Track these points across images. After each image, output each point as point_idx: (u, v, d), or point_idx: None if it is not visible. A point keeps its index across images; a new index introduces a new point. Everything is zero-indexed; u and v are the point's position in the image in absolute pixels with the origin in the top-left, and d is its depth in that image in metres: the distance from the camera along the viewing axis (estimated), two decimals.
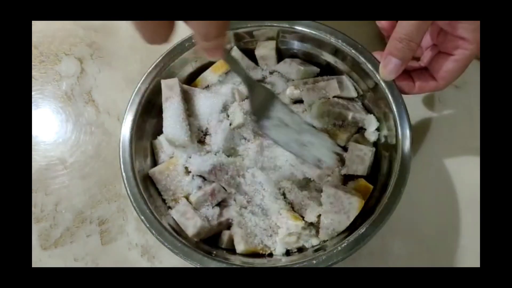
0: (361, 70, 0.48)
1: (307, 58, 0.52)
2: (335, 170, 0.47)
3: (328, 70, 0.52)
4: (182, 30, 0.34)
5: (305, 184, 0.47)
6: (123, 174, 0.44)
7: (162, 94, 0.48)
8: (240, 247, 0.45)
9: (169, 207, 0.46)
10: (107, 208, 0.53)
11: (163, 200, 0.47)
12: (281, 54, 0.52)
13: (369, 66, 0.46)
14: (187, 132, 0.46)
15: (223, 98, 0.49)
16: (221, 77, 0.51)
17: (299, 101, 0.51)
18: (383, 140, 0.48)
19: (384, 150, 0.47)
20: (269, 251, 0.45)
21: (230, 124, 0.48)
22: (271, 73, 0.52)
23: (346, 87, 0.50)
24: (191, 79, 0.52)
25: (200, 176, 0.47)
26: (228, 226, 0.47)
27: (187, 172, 0.47)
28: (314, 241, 0.45)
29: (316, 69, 0.52)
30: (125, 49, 0.60)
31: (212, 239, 0.47)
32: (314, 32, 0.48)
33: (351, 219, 0.43)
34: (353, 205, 0.43)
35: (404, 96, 0.45)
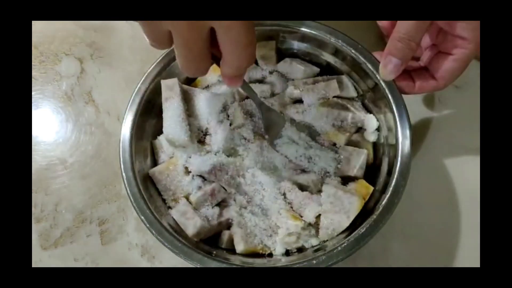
0: (361, 70, 0.48)
1: (307, 58, 0.52)
2: (332, 173, 0.47)
3: (328, 70, 0.52)
4: None
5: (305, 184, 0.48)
6: (123, 174, 0.44)
7: (162, 94, 0.48)
8: (239, 247, 0.45)
9: (169, 207, 0.46)
10: (107, 208, 0.53)
11: (163, 200, 0.47)
12: (281, 54, 0.52)
13: (369, 66, 0.46)
14: (187, 132, 0.46)
15: (223, 98, 0.49)
16: (221, 77, 0.51)
17: (299, 100, 0.51)
18: (383, 140, 0.48)
19: (384, 150, 0.47)
20: (269, 251, 0.45)
21: (230, 124, 0.48)
22: (270, 72, 0.52)
23: (346, 86, 0.50)
24: (191, 79, 0.52)
25: (200, 176, 0.47)
26: (228, 226, 0.47)
27: (187, 172, 0.47)
28: (314, 241, 0.45)
29: (316, 69, 0.52)
30: (125, 49, 0.60)
31: (211, 239, 0.47)
32: (314, 32, 0.48)
33: (351, 218, 0.43)
34: (353, 204, 0.43)
35: (404, 96, 0.45)
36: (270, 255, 0.45)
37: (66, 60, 0.60)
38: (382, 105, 0.47)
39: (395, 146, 0.44)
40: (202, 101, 0.49)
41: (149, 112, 0.48)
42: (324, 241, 0.44)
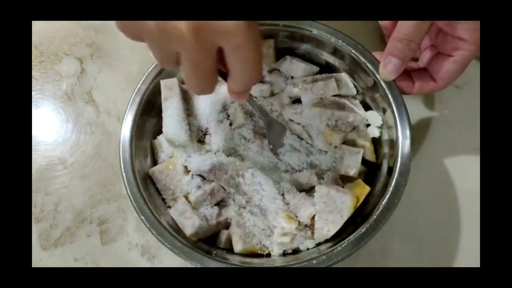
0: (361, 70, 0.48)
1: (307, 58, 0.52)
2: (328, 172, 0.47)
3: (327, 70, 0.52)
4: None
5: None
6: (123, 174, 0.44)
7: (161, 94, 0.48)
8: (238, 247, 0.45)
9: (169, 207, 0.46)
10: (107, 208, 0.53)
11: (163, 200, 0.47)
12: (280, 53, 0.52)
13: (369, 66, 0.46)
14: (187, 132, 0.46)
15: (222, 98, 0.49)
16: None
17: (298, 100, 0.51)
18: (383, 139, 0.48)
19: (384, 150, 0.47)
20: (267, 251, 0.45)
21: (230, 124, 0.48)
22: (269, 71, 0.52)
23: (345, 84, 0.50)
24: None
25: (200, 175, 0.47)
26: (227, 225, 0.47)
27: (187, 171, 0.47)
28: (309, 244, 0.45)
29: (316, 68, 0.52)
30: (125, 49, 0.60)
31: (209, 239, 0.47)
32: (314, 32, 0.48)
33: (345, 218, 0.43)
34: (346, 203, 0.43)
35: (404, 96, 0.45)
36: (269, 255, 0.45)
37: (66, 60, 0.60)
38: (382, 105, 0.47)
39: (395, 146, 0.44)
40: (201, 101, 0.49)
41: (149, 112, 0.48)
42: (318, 244, 0.44)
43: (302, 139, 0.49)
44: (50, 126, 0.57)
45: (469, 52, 0.42)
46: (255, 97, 0.49)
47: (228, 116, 0.49)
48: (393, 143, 0.45)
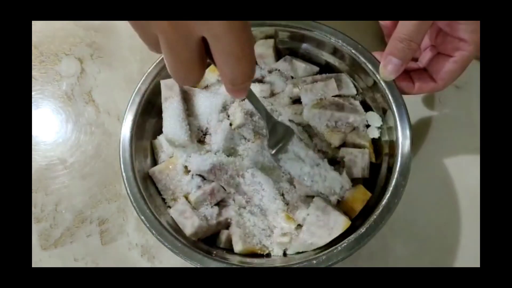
0: (361, 70, 0.48)
1: (307, 58, 0.52)
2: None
3: (327, 70, 0.52)
4: None
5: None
6: (123, 174, 0.44)
7: (161, 94, 0.48)
8: (238, 246, 0.45)
9: (169, 207, 0.46)
10: (107, 208, 0.53)
11: (163, 200, 0.47)
12: (280, 53, 0.52)
13: (369, 66, 0.46)
14: (187, 132, 0.46)
15: (222, 98, 0.49)
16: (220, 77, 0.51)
17: (298, 100, 0.51)
18: (383, 139, 0.48)
19: (384, 150, 0.47)
20: (267, 251, 0.45)
21: (230, 124, 0.48)
22: (270, 71, 0.52)
23: (345, 84, 0.50)
24: None
25: (200, 175, 0.47)
26: (227, 225, 0.47)
27: (187, 171, 0.47)
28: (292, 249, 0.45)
29: (316, 68, 0.52)
30: (125, 49, 0.60)
31: (209, 239, 0.47)
32: (314, 32, 0.48)
33: (332, 237, 0.42)
34: (339, 223, 0.43)
35: (404, 96, 0.45)
36: (269, 255, 0.45)
37: (66, 60, 0.60)
38: (382, 105, 0.47)
39: (395, 146, 0.44)
40: (202, 100, 0.49)
41: (149, 112, 0.48)
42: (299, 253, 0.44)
43: (308, 148, 0.45)
44: (50, 126, 0.57)
45: (469, 53, 0.42)
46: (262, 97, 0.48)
47: (228, 116, 0.49)
48: (393, 143, 0.45)
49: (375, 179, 0.47)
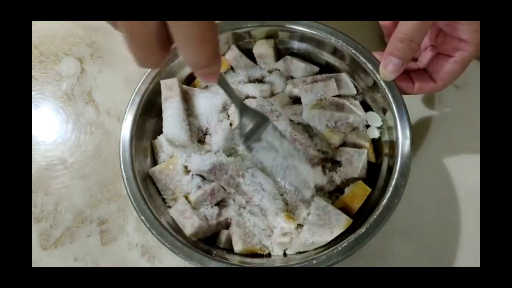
0: (361, 70, 0.48)
1: (307, 58, 0.52)
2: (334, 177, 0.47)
3: (327, 70, 0.52)
4: None
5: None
6: (123, 174, 0.44)
7: (161, 94, 0.48)
8: (238, 246, 0.45)
9: (169, 207, 0.46)
10: (107, 208, 0.53)
11: (163, 200, 0.47)
12: (280, 53, 0.52)
13: (369, 66, 0.46)
14: (187, 132, 0.46)
15: (222, 98, 0.49)
16: None
17: (298, 100, 0.51)
18: (383, 139, 0.48)
19: (384, 150, 0.47)
20: (267, 251, 0.45)
21: (230, 124, 0.48)
22: (270, 71, 0.52)
23: (345, 84, 0.50)
24: (190, 79, 0.52)
25: (200, 175, 0.47)
26: (227, 225, 0.47)
27: (187, 171, 0.47)
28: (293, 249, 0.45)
29: (316, 68, 0.52)
30: (125, 49, 0.60)
31: (209, 239, 0.47)
32: (314, 32, 0.48)
33: (334, 235, 0.42)
34: (340, 222, 0.43)
35: (404, 96, 0.45)
36: (269, 255, 0.45)
37: (66, 60, 0.60)
38: (382, 105, 0.47)
39: (395, 146, 0.44)
40: (201, 101, 0.49)
41: (149, 112, 0.48)
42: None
43: (284, 137, 0.43)
44: (50, 126, 0.57)
45: (469, 53, 0.42)
46: (256, 98, 0.48)
47: (228, 116, 0.49)
48: (393, 143, 0.45)
49: (375, 179, 0.47)
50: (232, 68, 0.52)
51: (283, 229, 0.44)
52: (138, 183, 0.44)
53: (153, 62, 0.32)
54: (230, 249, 0.46)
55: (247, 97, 0.50)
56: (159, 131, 0.49)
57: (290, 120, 0.49)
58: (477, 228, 0.49)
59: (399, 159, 0.43)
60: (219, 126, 0.48)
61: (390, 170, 0.44)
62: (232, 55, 0.51)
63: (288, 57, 0.52)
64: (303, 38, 0.50)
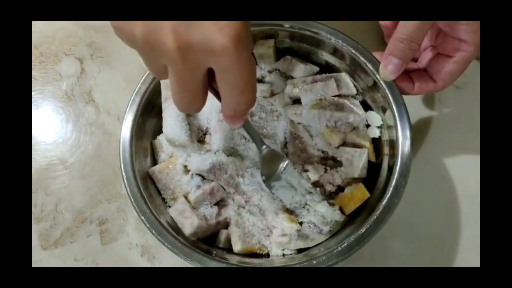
0: (361, 70, 0.47)
1: (307, 58, 0.52)
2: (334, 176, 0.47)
3: (327, 70, 0.52)
4: None
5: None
6: (123, 174, 0.44)
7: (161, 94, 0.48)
8: (237, 246, 0.45)
9: (169, 206, 0.46)
10: (107, 208, 0.53)
11: (163, 199, 0.47)
12: (280, 53, 0.52)
13: (369, 66, 0.46)
14: (187, 132, 0.46)
15: None
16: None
17: (298, 100, 0.50)
18: (383, 139, 0.48)
19: (384, 149, 0.47)
20: (266, 251, 0.45)
21: None
22: (269, 71, 0.52)
23: (345, 84, 0.50)
24: None
25: (199, 175, 0.47)
26: (226, 225, 0.47)
27: (187, 171, 0.47)
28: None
29: (316, 68, 0.52)
30: (125, 49, 0.60)
31: (209, 238, 0.47)
32: (314, 32, 0.48)
33: (332, 233, 0.44)
34: (337, 220, 0.44)
35: (404, 96, 0.45)
36: (268, 255, 0.45)
37: (66, 60, 0.60)
38: (382, 104, 0.47)
39: (395, 146, 0.44)
40: None
41: (149, 112, 0.48)
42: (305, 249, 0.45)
43: (301, 176, 0.46)
44: (50, 126, 0.57)
45: (469, 53, 0.42)
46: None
47: None
48: (393, 143, 0.45)
49: (375, 179, 0.47)
50: None
51: (284, 230, 0.44)
52: (138, 183, 0.44)
53: (197, 107, 0.34)
54: (229, 249, 0.46)
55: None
56: (159, 131, 0.49)
57: (290, 120, 0.49)
58: (477, 228, 0.49)
59: (399, 159, 0.43)
60: (219, 126, 0.48)
61: (390, 170, 0.44)
62: None
63: (288, 57, 0.52)
64: (303, 38, 0.50)
